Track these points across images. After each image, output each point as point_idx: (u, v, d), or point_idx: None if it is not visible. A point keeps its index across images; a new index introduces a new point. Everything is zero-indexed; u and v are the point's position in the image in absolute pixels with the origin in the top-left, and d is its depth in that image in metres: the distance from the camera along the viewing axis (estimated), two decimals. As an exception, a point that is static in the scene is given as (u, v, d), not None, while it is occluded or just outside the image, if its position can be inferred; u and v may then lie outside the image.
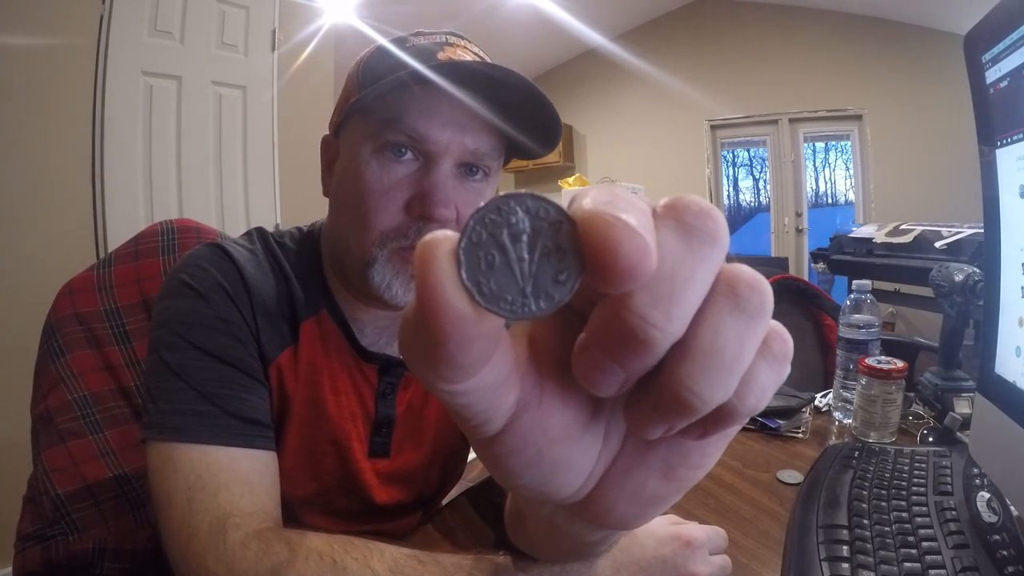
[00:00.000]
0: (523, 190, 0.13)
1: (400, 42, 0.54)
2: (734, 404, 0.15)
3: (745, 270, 0.15)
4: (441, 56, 0.52)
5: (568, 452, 0.17)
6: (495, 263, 0.13)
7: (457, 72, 0.49)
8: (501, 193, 0.13)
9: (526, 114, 0.52)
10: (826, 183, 4.41)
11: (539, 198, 0.13)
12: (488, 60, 0.55)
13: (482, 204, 0.13)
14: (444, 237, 0.13)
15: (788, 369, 0.16)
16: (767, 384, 0.15)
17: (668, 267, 0.13)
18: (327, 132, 0.60)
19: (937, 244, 1.90)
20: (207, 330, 0.50)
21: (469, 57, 0.54)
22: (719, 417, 0.15)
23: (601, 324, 0.14)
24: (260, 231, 0.62)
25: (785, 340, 0.16)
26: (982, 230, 0.55)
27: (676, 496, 0.19)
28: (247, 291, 0.54)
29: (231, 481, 0.45)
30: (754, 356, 0.15)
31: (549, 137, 0.55)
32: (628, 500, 0.18)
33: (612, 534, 0.25)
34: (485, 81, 0.49)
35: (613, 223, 0.12)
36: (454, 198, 0.52)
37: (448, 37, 0.56)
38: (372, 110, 0.52)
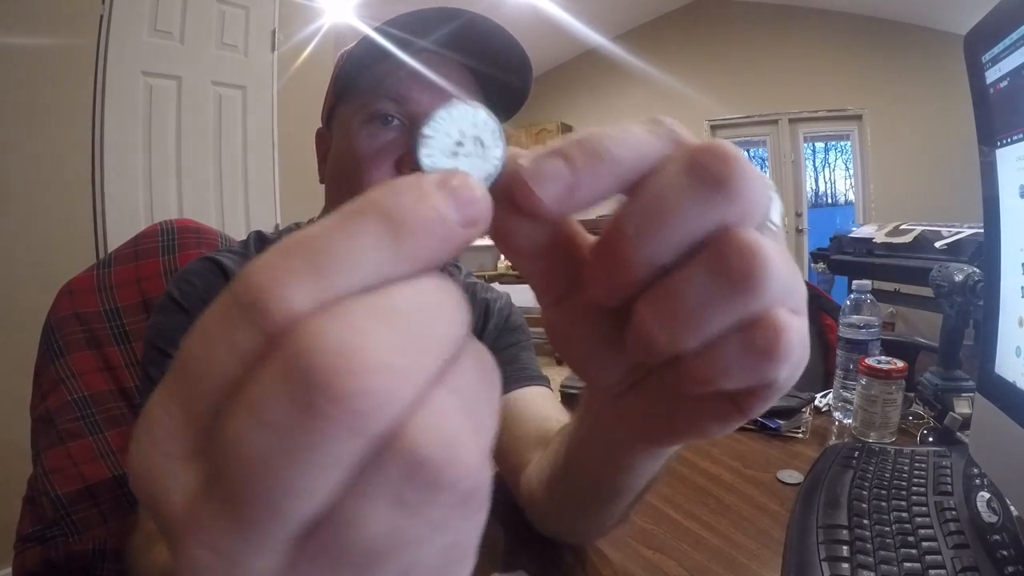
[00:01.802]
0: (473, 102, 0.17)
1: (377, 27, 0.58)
2: (688, 363, 0.16)
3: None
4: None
5: (591, 353, 0.20)
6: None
7: (428, 24, 0.52)
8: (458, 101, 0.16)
9: (498, 58, 0.55)
10: (826, 183, 4.42)
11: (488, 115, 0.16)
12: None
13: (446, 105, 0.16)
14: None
15: (778, 365, 0.15)
16: (730, 356, 0.15)
17: (654, 191, 0.15)
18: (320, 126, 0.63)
19: (937, 244, 1.90)
20: None
21: None
22: (680, 371, 0.16)
23: (602, 231, 0.16)
24: (258, 235, 0.63)
25: (779, 333, 0.15)
26: (982, 230, 0.55)
27: (679, 441, 0.22)
28: None
29: None
30: (728, 332, 0.15)
31: (521, 82, 0.58)
32: (641, 420, 0.22)
33: (641, 457, 0.27)
34: (457, 31, 0.53)
35: (516, 179, 0.15)
36: None
37: None
38: (356, 90, 0.55)
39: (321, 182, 0.61)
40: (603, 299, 0.16)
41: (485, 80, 0.57)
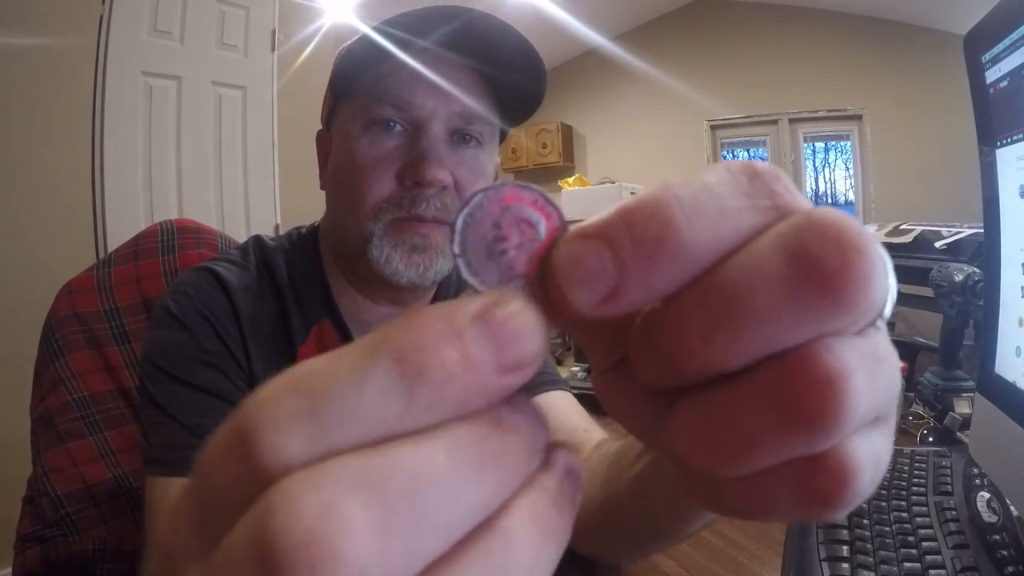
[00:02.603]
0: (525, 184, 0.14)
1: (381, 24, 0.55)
2: (725, 487, 0.13)
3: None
4: None
5: (641, 424, 0.16)
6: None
7: (429, 23, 0.49)
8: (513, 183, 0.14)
9: (507, 61, 0.52)
10: (826, 183, 4.41)
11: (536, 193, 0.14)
12: None
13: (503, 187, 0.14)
14: None
15: (839, 510, 0.12)
16: (777, 494, 0.12)
17: (736, 284, 0.11)
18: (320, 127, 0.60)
19: (937, 244, 1.89)
20: (188, 362, 0.49)
21: None
22: (714, 490, 0.14)
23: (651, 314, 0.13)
24: (257, 242, 0.60)
25: (845, 481, 0.12)
26: (982, 230, 0.55)
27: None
28: (236, 319, 0.52)
29: None
30: (782, 466, 0.12)
31: (534, 84, 0.54)
32: (697, 487, 0.17)
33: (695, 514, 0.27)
34: (462, 32, 0.49)
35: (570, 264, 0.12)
36: (447, 162, 0.50)
37: None
38: (356, 91, 0.52)
39: (322, 188, 0.58)
40: (651, 384, 0.13)
41: (493, 82, 0.54)
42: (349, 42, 0.54)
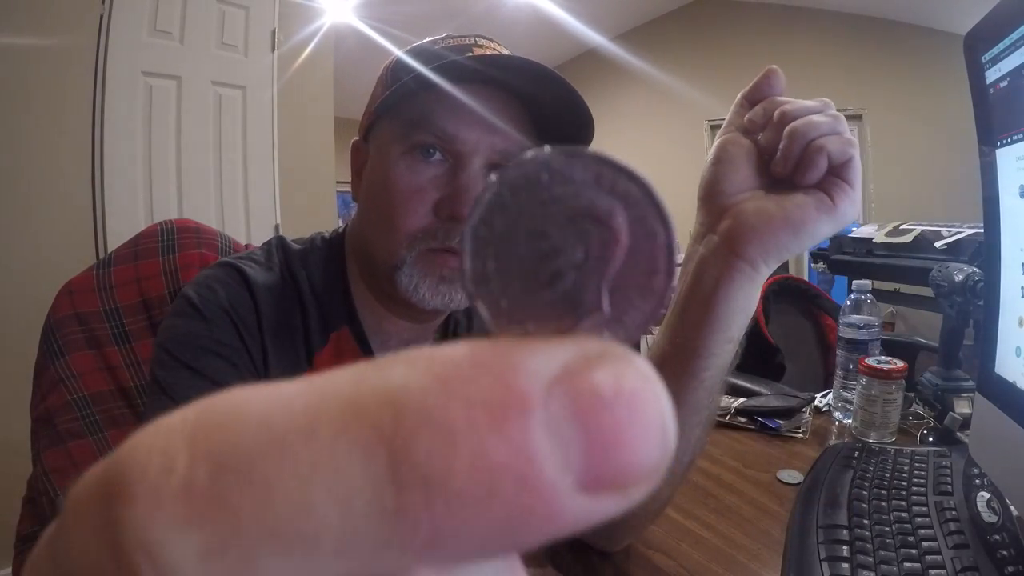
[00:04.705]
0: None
1: (430, 44, 0.54)
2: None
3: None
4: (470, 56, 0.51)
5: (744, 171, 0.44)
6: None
7: (483, 66, 0.48)
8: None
9: (556, 111, 0.51)
10: (826, 183, 4.41)
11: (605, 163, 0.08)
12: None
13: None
14: None
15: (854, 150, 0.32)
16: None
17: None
18: (357, 137, 0.60)
19: (937, 244, 1.89)
20: (202, 352, 0.49)
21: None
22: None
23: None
24: (281, 243, 0.59)
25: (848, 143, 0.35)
26: (982, 230, 0.55)
27: (791, 232, 0.41)
28: (258, 318, 0.52)
29: None
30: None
31: (581, 135, 0.53)
32: (763, 217, 0.41)
33: (741, 279, 0.41)
34: (515, 75, 0.49)
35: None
36: None
37: (477, 39, 0.54)
38: (400, 111, 0.52)
39: (354, 199, 0.58)
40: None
41: (536, 120, 0.53)
42: (396, 57, 0.54)
